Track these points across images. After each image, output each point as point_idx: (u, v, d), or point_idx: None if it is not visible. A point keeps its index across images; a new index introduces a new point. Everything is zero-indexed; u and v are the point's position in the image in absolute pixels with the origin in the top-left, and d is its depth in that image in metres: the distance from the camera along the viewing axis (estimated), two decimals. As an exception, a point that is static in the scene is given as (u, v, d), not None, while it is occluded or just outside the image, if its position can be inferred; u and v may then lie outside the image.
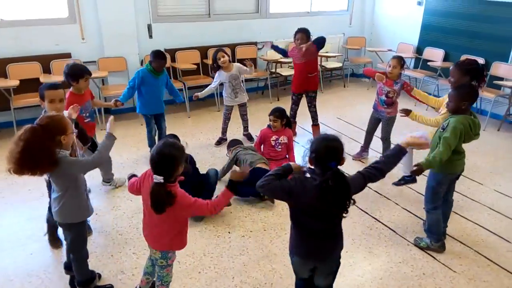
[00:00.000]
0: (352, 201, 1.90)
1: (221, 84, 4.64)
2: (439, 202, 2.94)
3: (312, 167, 1.96)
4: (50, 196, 2.58)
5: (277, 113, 3.94)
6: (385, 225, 3.35)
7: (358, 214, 3.48)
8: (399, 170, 3.58)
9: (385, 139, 4.19)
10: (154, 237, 2.19)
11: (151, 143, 4.32)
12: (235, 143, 4.16)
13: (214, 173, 3.61)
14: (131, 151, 4.54)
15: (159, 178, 1.94)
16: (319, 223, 1.97)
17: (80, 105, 2.87)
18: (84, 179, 2.39)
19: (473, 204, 3.71)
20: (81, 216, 2.37)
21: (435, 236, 3.02)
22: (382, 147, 4.24)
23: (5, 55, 4.83)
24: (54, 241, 2.99)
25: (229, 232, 3.22)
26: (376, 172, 2.04)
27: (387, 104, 4.01)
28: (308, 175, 1.97)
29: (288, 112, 4.76)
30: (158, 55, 3.97)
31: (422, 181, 3.23)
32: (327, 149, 1.90)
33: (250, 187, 2.82)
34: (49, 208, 2.74)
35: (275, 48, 5.11)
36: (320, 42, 4.62)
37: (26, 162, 2.02)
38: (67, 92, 3.29)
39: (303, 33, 4.52)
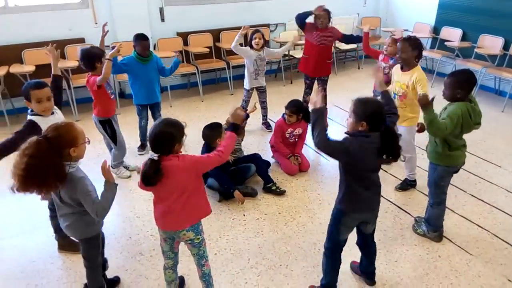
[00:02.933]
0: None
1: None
2: (444, 196, 2.87)
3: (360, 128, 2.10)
4: (52, 206, 2.53)
5: (294, 108, 3.80)
6: (400, 208, 3.34)
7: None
8: (402, 174, 3.60)
9: None
10: (182, 216, 2.12)
11: (142, 136, 4.23)
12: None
13: (254, 170, 3.64)
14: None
15: (154, 155, 1.98)
16: (375, 174, 2.20)
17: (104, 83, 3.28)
18: (95, 189, 2.14)
19: (491, 186, 3.66)
20: (94, 230, 2.22)
21: (432, 227, 2.97)
22: None
23: (19, 41, 4.87)
24: (66, 246, 2.83)
25: (244, 215, 3.25)
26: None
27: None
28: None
29: (301, 97, 4.76)
30: (138, 37, 3.83)
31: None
32: (380, 109, 2.10)
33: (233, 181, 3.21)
34: (52, 215, 2.69)
35: (308, 13, 4.50)
36: (352, 40, 4.58)
37: (31, 180, 1.85)
38: (88, 77, 3.36)
39: (327, 12, 4.37)
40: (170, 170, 1.99)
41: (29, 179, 1.84)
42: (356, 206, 2.25)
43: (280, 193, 3.52)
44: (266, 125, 4.79)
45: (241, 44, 4.48)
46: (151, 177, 1.98)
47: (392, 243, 2.94)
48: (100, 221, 2.24)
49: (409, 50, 3.17)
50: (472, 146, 4.16)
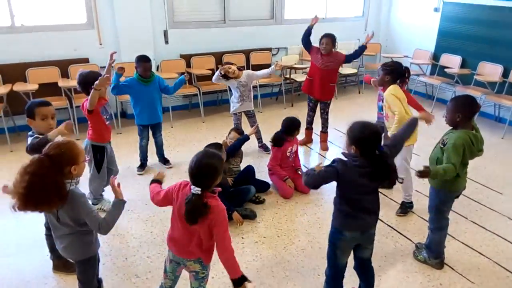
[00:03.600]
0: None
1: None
2: (445, 222, 2.84)
3: (352, 151, 2.15)
4: (48, 225, 2.50)
5: (293, 128, 3.90)
6: (401, 234, 3.30)
7: (373, 221, 3.42)
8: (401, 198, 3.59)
9: None
10: (192, 247, 2.05)
11: (142, 156, 4.21)
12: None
13: (254, 192, 3.64)
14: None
15: (197, 189, 1.89)
16: (366, 197, 2.20)
17: (100, 105, 3.20)
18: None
19: (492, 213, 3.63)
20: (91, 251, 2.18)
21: (433, 254, 2.92)
22: None
23: (25, 59, 4.93)
24: (60, 266, 2.78)
25: (242, 238, 3.21)
26: (396, 140, 2.38)
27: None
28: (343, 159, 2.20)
29: (305, 120, 4.79)
30: (140, 58, 3.85)
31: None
32: (373, 135, 2.10)
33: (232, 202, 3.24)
34: (47, 234, 2.65)
35: (310, 31, 4.61)
36: (355, 56, 4.62)
37: (32, 198, 1.82)
38: (84, 100, 3.29)
39: (330, 38, 4.40)
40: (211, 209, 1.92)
41: (30, 198, 1.82)
42: (349, 224, 2.25)
43: (259, 202, 3.64)
44: (264, 147, 4.76)
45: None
46: (200, 214, 1.89)
47: (392, 270, 2.89)
48: (97, 242, 2.21)
49: (382, 74, 3.42)
50: (472, 172, 4.14)
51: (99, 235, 2.19)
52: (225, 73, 4.29)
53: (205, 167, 1.93)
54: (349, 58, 4.63)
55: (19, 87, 4.73)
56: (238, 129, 4.05)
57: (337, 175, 2.13)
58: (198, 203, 1.89)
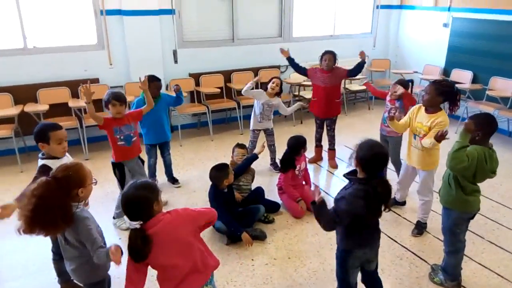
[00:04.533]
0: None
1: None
2: (460, 245, 2.74)
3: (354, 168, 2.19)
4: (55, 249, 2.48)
5: (298, 146, 3.85)
6: (416, 255, 3.20)
7: (387, 242, 3.33)
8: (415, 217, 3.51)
9: (395, 162, 4.01)
10: (199, 264, 2.00)
11: (151, 175, 4.20)
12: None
13: (263, 211, 3.60)
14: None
15: (134, 224, 1.85)
16: (371, 218, 2.20)
17: (115, 126, 3.29)
18: (101, 231, 2.13)
19: (510, 233, 3.51)
20: (100, 275, 2.17)
21: (450, 277, 2.82)
22: (395, 170, 4.09)
23: (36, 80, 4.99)
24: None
25: (252, 260, 3.14)
26: None
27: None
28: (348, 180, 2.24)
29: (313, 137, 4.76)
30: (152, 78, 3.84)
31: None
32: (377, 158, 2.10)
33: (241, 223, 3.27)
34: (54, 258, 2.64)
35: (290, 60, 4.74)
36: (356, 71, 4.60)
37: (38, 221, 1.81)
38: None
39: (332, 54, 4.43)
40: (163, 233, 1.85)
41: (36, 220, 1.81)
42: (357, 243, 2.26)
43: (268, 222, 3.59)
44: (274, 165, 4.71)
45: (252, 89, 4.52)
46: (142, 250, 1.82)
47: (408, 293, 2.80)
48: (106, 265, 2.17)
49: (434, 94, 3.06)
50: (488, 190, 4.06)
51: None
52: (266, 84, 4.41)
53: (135, 200, 1.87)
54: (350, 73, 4.60)
55: (30, 107, 4.78)
56: (240, 144, 4.01)
57: (351, 215, 2.13)
58: (136, 238, 1.82)
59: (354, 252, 2.27)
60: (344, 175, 2.28)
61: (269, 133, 4.64)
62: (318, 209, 2.20)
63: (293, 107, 4.69)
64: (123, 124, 3.35)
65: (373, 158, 2.10)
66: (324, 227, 2.22)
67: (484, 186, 2.66)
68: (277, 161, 4.76)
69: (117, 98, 3.29)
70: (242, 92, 4.49)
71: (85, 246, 2.01)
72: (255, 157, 3.79)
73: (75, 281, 2.21)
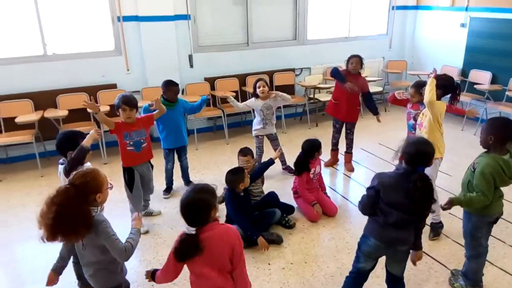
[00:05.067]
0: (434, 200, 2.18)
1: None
2: (481, 249, 2.68)
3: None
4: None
5: (313, 148, 3.81)
6: (435, 259, 3.15)
7: (405, 246, 3.29)
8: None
9: None
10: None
11: (168, 179, 4.24)
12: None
13: (279, 215, 3.60)
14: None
15: (191, 230, 1.85)
16: (401, 214, 2.18)
17: (125, 130, 3.33)
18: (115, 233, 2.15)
19: (533, 237, 3.42)
20: (117, 280, 2.20)
21: (471, 282, 2.76)
22: None
23: (55, 86, 5.10)
24: None
25: (269, 264, 3.13)
26: None
27: (415, 129, 3.83)
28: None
29: (329, 140, 4.74)
30: (169, 83, 3.91)
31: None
32: (418, 154, 2.16)
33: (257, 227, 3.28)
34: (75, 261, 2.62)
35: (336, 73, 4.49)
36: (371, 106, 4.62)
37: (60, 228, 1.84)
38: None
39: (359, 58, 4.40)
40: (212, 241, 1.85)
41: (58, 228, 1.85)
42: (376, 232, 2.30)
43: (289, 227, 3.58)
44: (289, 169, 4.67)
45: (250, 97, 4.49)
46: (190, 254, 1.85)
47: (427, 299, 2.75)
48: (123, 270, 2.21)
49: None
50: (510, 193, 3.95)
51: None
52: (256, 88, 4.35)
53: (194, 204, 1.87)
54: (367, 98, 4.61)
55: (50, 113, 4.88)
56: (243, 150, 3.89)
57: (377, 193, 2.22)
58: (189, 243, 1.83)
59: (370, 239, 2.32)
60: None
61: (272, 139, 4.60)
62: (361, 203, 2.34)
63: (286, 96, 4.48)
64: (133, 129, 3.36)
65: (416, 153, 2.17)
66: (360, 206, 2.35)
67: (506, 189, 2.59)
68: (290, 164, 4.75)
69: (127, 102, 3.29)
70: (238, 109, 4.60)
71: (102, 251, 2.04)
72: (271, 162, 3.79)
73: (93, 286, 2.23)
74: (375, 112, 4.63)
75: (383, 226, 2.25)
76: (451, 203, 2.47)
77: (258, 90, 4.35)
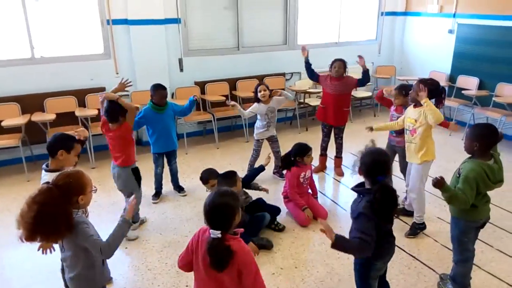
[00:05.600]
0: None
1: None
2: (468, 254, 2.70)
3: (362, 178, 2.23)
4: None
5: (305, 151, 3.78)
6: (424, 264, 3.16)
7: (395, 251, 3.29)
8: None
9: (403, 170, 3.93)
10: None
11: (157, 184, 4.22)
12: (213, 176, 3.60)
13: (269, 218, 3.58)
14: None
15: (216, 233, 1.80)
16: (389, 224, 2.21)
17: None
18: (97, 233, 2.13)
19: (520, 241, 3.46)
20: (96, 284, 2.17)
21: (459, 286, 2.78)
22: (404, 178, 4.03)
23: (43, 90, 5.04)
24: None
25: (259, 269, 3.12)
26: None
27: (397, 133, 3.87)
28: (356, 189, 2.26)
29: (319, 145, 4.75)
30: (157, 86, 3.90)
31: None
32: (375, 163, 2.12)
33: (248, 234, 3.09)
34: (63, 268, 2.52)
35: (308, 63, 4.68)
36: (365, 80, 4.59)
37: (40, 228, 1.81)
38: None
39: (342, 62, 4.45)
40: (237, 252, 1.81)
41: (38, 227, 1.82)
42: (383, 254, 2.27)
43: (278, 230, 3.58)
44: (279, 173, 4.68)
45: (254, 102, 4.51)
46: (224, 259, 1.79)
47: (416, 303, 2.76)
48: (102, 276, 2.18)
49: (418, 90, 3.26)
50: (497, 198, 3.99)
51: (109, 266, 2.16)
52: (257, 92, 4.37)
53: (220, 208, 1.84)
54: (360, 83, 4.61)
55: (37, 117, 4.81)
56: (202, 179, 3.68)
57: (375, 228, 2.11)
58: (220, 247, 1.78)
59: (375, 264, 2.26)
60: (352, 189, 2.27)
61: (274, 140, 4.63)
62: (341, 244, 2.12)
63: (289, 95, 4.63)
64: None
65: (373, 164, 2.13)
66: (362, 253, 2.16)
67: (493, 194, 2.63)
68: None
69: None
70: (245, 117, 4.62)
71: (81, 253, 2.02)
72: (262, 168, 3.79)
73: None
74: (367, 73, 4.61)
75: (383, 244, 2.20)
76: (441, 184, 2.38)
77: (259, 94, 4.36)
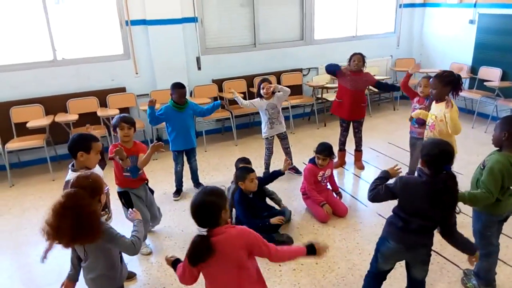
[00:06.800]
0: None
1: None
2: (492, 248, 2.65)
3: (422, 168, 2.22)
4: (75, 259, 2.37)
5: (326, 152, 3.72)
6: (447, 259, 3.13)
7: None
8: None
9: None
10: None
11: (178, 181, 4.26)
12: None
13: (289, 214, 3.62)
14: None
15: (202, 230, 1.85)
16: (423, 221, 2.19)
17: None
18: None
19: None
20: (117, 283, 2.21)
21: (483, 282, 2.74)
22: None
23: (65, 91, 5.16)
24: None
25: (279, 265, 3.13)
26: None
27: (418, 123, 3.82)
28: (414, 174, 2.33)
29: (337, 139, 4.72)
30: (175, 85, 3.93)
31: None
32: (441, 153, 2.14)
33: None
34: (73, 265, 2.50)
35: (329, 67, 4.68)
36: (387, 88, 4.58)
37: (80, 232, 1.83)
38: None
39: (360, 56, 4.42)
40: (224, 245, 1.86)
41: (78, 232, 1.85)
42: (394, 234, 2.30)
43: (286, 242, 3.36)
44: (295, 169, 4.68)
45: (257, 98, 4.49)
46: (202, 257, 1.85)
47: (440, 299, 2.73)
48: (122, 275, 2.23)
49: (441, 87, 3.35)
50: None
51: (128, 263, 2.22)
52: (260, 89, 4.35)
53: (205, 206, 1.87)
54: (379, 86, 4.63)
55: (60, 118, 4.93)
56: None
57: (393, 195, 2.25)
58: (201, 245, 1.84)
59: (389, 241, 2.31)
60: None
61: (283, 137, 4.59)
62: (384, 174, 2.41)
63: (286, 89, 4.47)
64: (129, 154, 3.11)
65: (440, 154, 2.14)
66: (369, 198, 2.35)
67: (517, 187, 2.57)
68: (295, 164, 4.74)
69: (126, 120, 3.15)
70: (242, 106, 4.50)
71: (105, 255, 2.07)
72: (280, 173, 3.74)
73: None
74: (396, 89, 4.82)
75: (404, 231, 2.24)
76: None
77: (262, 91, 4.36)
